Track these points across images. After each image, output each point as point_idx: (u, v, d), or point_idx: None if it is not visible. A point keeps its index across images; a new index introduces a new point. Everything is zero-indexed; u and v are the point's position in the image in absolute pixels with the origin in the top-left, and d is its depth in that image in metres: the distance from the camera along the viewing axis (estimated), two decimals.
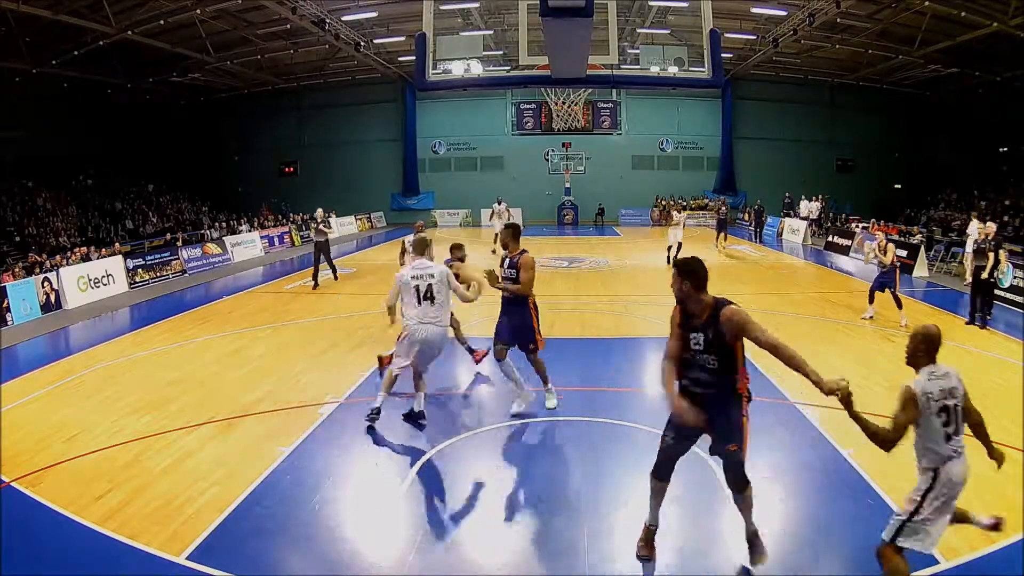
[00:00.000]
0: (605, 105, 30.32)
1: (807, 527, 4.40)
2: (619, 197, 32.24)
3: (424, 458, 5.48)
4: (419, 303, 5.86)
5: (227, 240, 21.03)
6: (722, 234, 20.79)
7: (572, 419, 6.24)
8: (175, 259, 17.53)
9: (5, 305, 11.47)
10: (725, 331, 3.56)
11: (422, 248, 6.38)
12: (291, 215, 28.56)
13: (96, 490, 4.91)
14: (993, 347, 8.73)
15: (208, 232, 24.27)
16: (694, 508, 4.56)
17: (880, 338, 9.51)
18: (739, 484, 3.82)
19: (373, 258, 20.64)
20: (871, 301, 10.47)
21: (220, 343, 9.69)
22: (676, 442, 3.89)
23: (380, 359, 7.57)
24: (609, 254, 20.12)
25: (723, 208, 22.89)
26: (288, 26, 22.25)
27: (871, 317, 10.44)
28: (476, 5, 22.54)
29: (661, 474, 3.98)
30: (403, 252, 9.40)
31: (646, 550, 4.04)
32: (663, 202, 32.24)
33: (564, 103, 29.62)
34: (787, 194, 27.06)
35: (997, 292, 11.15)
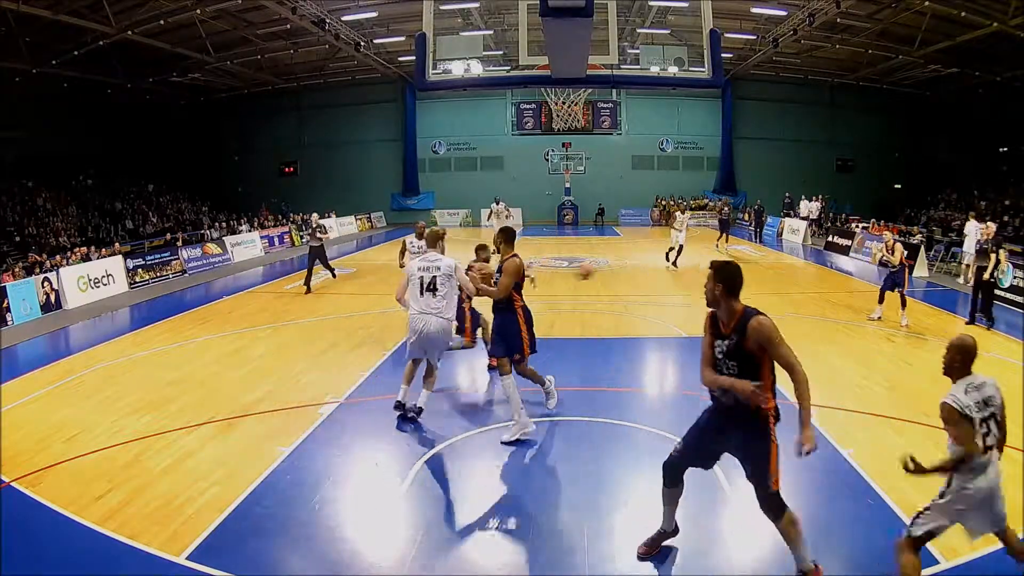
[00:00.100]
0: (605, 105, 30.33)
1: (807, 527, 4.36)
2: (619, 197, 32.24)
3: (424, 458, 5.48)
4: (422, 294, 5.94)
5: (227, 240, 21.04)
6: (724, 235, 20.81)
7: (572, 419, 6.24)
8: (175, 259, 17.53)
9: (5, 305, 11.47)
10: (750, 342, 3.43)
11: (433, 241, 6.36)
12: (291, 215, 28.56)
13: (96, 490, 4.91)
14: (993, 347, 8.69)
15: (208, 232, 24.28)
16: (694, 508, 4.55)
17: (880, 338, 9.51)
18: (773, 512, 3.62)
19: (373, 258, 20.63)
20: (880, 301, 10.40)
21: (220, 343, 9.69)
22: (692, 455, 3.79)
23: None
24: (609, 254, 20.13)
25: (725, 209, 22.85)
26: (288, 26, 22.25)
27: (879, 318, 10.38)
28: (476, 5, 22.54)
29: (668, 480, 3.89)
30: (403, 252, 9.40)
31: (645, 549, 4.02)
32: (663, 202, 32.27)
33: (564, 103, 29.63)
34: (787, 194, 27.06)
35: (997, 292, 11.15)
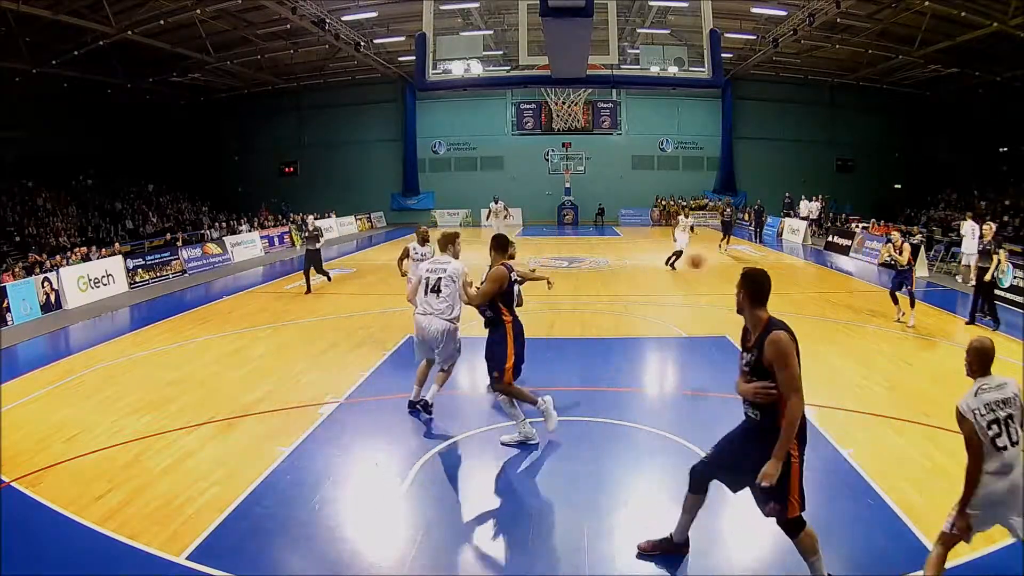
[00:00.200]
0: (605, 105, 30.34)
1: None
2: (619, 197, 32.25)
3: (424, 458, 5.48)
4: (426, 295, 6.04)
5: (227, 240, 21.04)
6: (727, 236, 20.76)
7: (572, 419, 6.23)
8: (175, 259, 17.53)
9: (5, 305, 11.47)
10: (766, 358, 3.31)
11: (445, 243, 6.33)
12: (291, 215, 28.57)
13: (96, 490, 4.90)
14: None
15: (208, 232, 24.28)
16: None
17: (880, 338, 9.50)
18: (788, 531, 3.51)
19: (373, 258, 20.63)
20: (895, 302, 10.33)
21: (220, 343, 9.69)
22: (716, 465, 3.69)
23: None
24: (609, 254, 20.13)
25: (728, 210, 22.79)
26: (288, 26, 22.25)
27: (901, 319, 10.20)
28: (476, 5, 22.54)
29: (691, 485, 3.81)
30: (404, 257, 9.18)
31: (647, 545, 3.98)
32: (663, 202, 32.28)
33: (564, 103, 29.64)
34: (787, 194, 27.06)
35: (997, 292, 11.14)
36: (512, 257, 7.22)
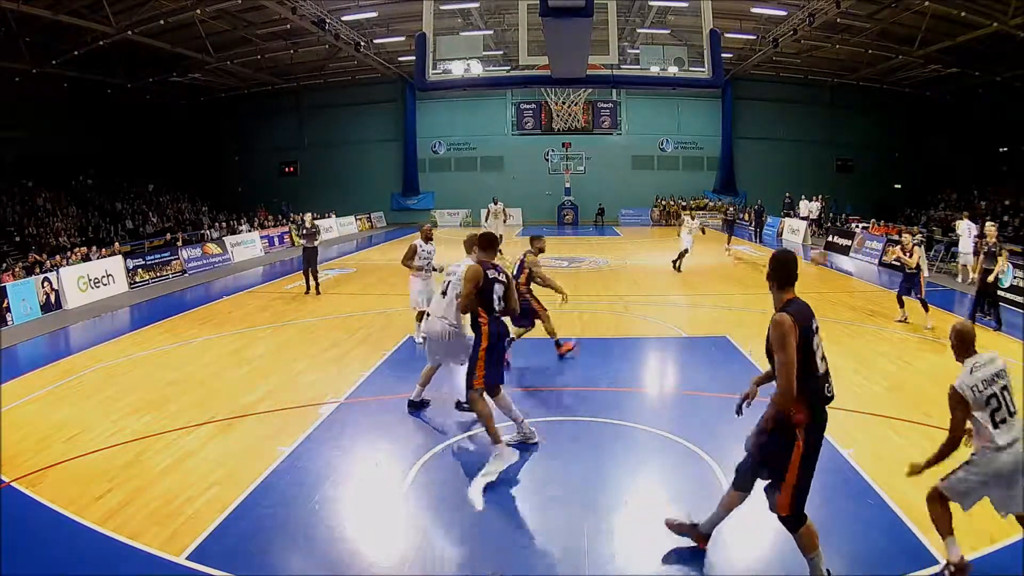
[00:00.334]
0: (605, 105, 30.32)
1: None
2: (619, 197, 32.25)
3: (424, 458, 5.48)
4: (443, 296, 6.10)
5: (227, 240, 21.03)
6: (730, 236, 20.75)
7: (572, 419, 6.23)
8: (175, 259, 17.53)
9: (5, 305, 11.47)
10: (768, 338, 3.31)
11: (470, 246, 6.24)
12: (291, 215, 28.58)
13: (96, 490, 4.90)
14: (993, 347, 8.70)
15: (208, 232, 24.28)
16: (694, 508, 4.55)
17: (880, 338, 9.51)
18: (788, 526, 3.52)
19: (373, 258, 20.63)
20: (901, 305, 10.32)
21: (220, 343, 9.69)
22: (750, 460, 3.66)
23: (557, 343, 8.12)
24: (609, 254, 20.13)
25: (731, 210, 22.75)
26: (288, 26, 22.25)
27: (929, 327, 10.08)
28: (476, 5, 22.54)
29: (734, 481, 3.82)
30: (410, 255, 9.03)
31: (671, 521, 4.07)
32: (663, 202, 32.28)
33: (564, 103, 29.63)
34: (787, 194, 27.07)
35: (998, 292, 11.13)
36: (542, 251, 7.20)
